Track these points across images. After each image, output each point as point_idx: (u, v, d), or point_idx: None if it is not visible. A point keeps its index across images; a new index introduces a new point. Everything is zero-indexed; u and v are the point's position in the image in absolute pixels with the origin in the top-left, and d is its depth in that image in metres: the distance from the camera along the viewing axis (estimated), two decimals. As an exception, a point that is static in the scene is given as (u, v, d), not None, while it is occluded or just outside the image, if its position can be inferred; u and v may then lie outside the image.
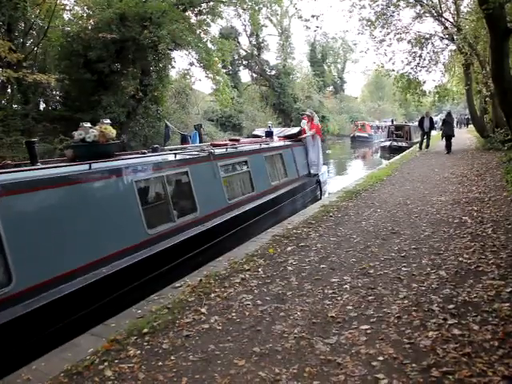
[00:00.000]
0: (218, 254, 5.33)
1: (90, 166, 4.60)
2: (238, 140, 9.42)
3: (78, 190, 4.41)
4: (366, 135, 39.00)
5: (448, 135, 17.47)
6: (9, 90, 17.51)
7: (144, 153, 6.24)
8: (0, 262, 3.54)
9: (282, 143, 10.17)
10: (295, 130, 11.66)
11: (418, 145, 20.10)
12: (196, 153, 6.63)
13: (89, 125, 5.31)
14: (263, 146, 8.97)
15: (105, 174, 4.73)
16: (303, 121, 11.23)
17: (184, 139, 9.38)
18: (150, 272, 4.77)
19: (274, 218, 7.78)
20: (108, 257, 4.44)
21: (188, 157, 6.31)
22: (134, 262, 4.61)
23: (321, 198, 10.52)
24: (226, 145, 7.81)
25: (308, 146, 10.91)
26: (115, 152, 5.63)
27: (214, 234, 6.01)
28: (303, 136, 10.87)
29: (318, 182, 11.10)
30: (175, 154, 6.13)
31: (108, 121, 5.59)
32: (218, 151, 7.03)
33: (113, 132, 5.38)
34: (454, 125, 21.86)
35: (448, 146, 17.34)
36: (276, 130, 11.71)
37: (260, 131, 11.97)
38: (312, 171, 10.91)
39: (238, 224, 6.70)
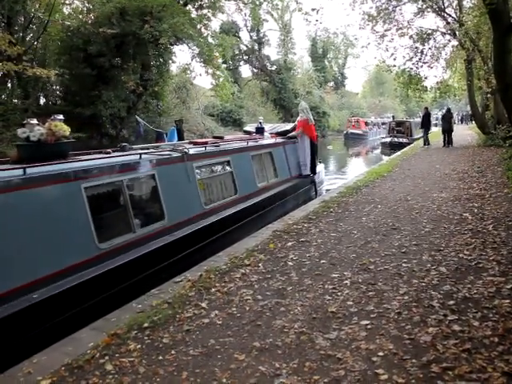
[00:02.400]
0: (189, 265, 4.72)
1: (25, 171, 3.95)
2: (222, 138, 8.72)
3: (4, 200, 3.74)
4: (360, 132, 37.56)
5: (444, 130, 18.54)
6: (9, 85, 17.46)
7: (108, 152, 5.64)
8: None
9: (272, 140, 9.48)
10: (289, 126, 11.01)
11: (420, 141, 20.25)
12: (167, 153, 6.02)
13: (35, 121, 4.64)
14: (250, 143, 8.32)
15: (44, 180, 4.05)
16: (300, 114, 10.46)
17: (159, 137, 8.47)
18: (99, 293, 4.16)
19: (260, 222, 7.05)
20: (43, 279, 3.80)
21: (156, 157, 5.67)
22: (77, 283, 3.99)
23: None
24: (206, 143, 7.23)
25: (298, 143, 10.13)
26: (69, 152, 4.94)
27: (184, 245, 5.42)
28: (291, 134, 10.18)
29: (313, 183, 10.45)
30: (140, 154, 5.44)
31: (61, 117, 4.95)
32: (194, 151, 6.44)
33: (65, 129, 4.74)
34: (457, 121, 22.25)
35: (445, 141, 18.36)
36: (268, 127, 11.09)
37: (251, 127, 11.22)
38: (303, 172, 10.16)
39: (215, 232, 6.09)
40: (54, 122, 4.71)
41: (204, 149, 6.76)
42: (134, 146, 6.40)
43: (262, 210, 7.62)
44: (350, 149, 32.24)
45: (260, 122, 10.69)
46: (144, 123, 9.29)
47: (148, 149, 6.43)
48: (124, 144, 6.11)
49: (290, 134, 10.15)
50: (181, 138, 8.62)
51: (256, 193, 7.78)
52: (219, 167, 7.06)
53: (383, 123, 42.67)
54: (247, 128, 11.79)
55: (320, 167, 11.58)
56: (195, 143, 7.24)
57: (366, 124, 39.66)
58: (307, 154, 10.02)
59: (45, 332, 3.58)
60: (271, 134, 10.34)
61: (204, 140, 8.11)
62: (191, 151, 6.30)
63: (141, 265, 4.72)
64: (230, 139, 8.61)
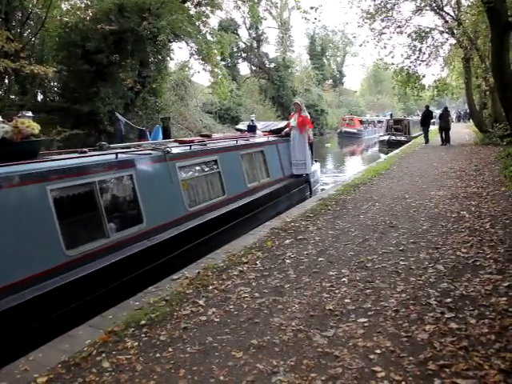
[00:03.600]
0: (171, 271, 4.50)
1: None
2: (209, 136, 8.30)
3: None
4: (355, 131, 36.63)
5: (442, 128, 18.69)
6: (6, 81, 17.37)
7: (85, 152, 5.26)
8: None
9: (264, 139, 9.03)
10: (282, 123, 10.51)
11: (418, 138, 20.34)
12: (147, 152, 5.66)
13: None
14: (240, 142, 7.88)
15: (2, 182, 3.72)
16: (291, 119, 9.68)
17: (142, 135, 8.01)
18: (64, 305, 3.83)
19: (250, 224, 6.72)
20: None
21: (134, 157, 5.30)
22: (36, 295, 3.63)
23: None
24: (192, 142, 6.91)
25: (293, 141, 9.44)
26: (38, 151, 4.62)
27: (165, 249, 5.11)
28: (286, 129, 9.57)
29: (308, 182, 10.00)
30: (116, 153, 5.07)
31: (30, 113, 4.68)
32: (177, 150, 6.10)
33: (34, 127, 4.40)
34: (454, 119, 22.40)
35: (443, 139, 18.47)
36: (261, 124, 10.70)
37: (244, 125, 10.77)
38: (296, 172, 9.52)
39: (200, 235, 5.78)
40: (20, 120, 4.36)
41: (189, 148, 6.43)
42: (112, 145, 6.06)
43: (252, 212, 7.30)
44: (344, 148, 31.42)
45: (252, 120, 10.22)
46: (125, 120, 8.49)
47: (129, 148, 6.09)
48: (103, 143, 5.78)
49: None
50: (167, 137, 8.08)
51: (246, 193, 7.42)
52: (205, 167, 6.67)
53: (379, 121, 42.42)
54: (239, 126, 11.40)
55: (315, 166, 11.22)
56: (180, 142, 6.93)
57: (361, 122, 38.77)
58: (308, 152, 9.58)
59: None
60: (264, 132, 9.93)
61: (190, 139, 7.69)
62: (174, 150, 5.97)
63: (115, 272, 4.41)
64: (219, 137, 8.25)
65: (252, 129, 9.70)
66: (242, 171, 7.52)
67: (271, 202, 8.14)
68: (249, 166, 7.91)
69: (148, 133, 8.06)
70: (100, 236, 4.51)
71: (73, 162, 4.55)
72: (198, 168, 6.51)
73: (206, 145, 6.97)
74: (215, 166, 6.79)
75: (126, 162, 5.08)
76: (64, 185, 4.25)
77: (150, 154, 5.59)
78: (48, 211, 3.97)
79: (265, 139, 9.05)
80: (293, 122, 9.44)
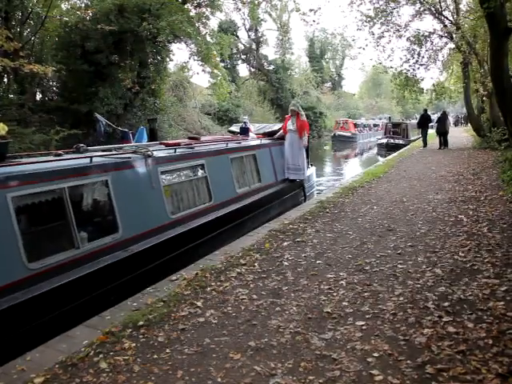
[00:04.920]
0: (150, 283, 4.25)
1: None
2: (198, 138, 7.95)
3: None
4: (349, 134, 35.35)
5: (440, 132, 18.93)
6: (5, 80, 17.34)
7: (59, 154, 4.92)
8: None
9: (256, 142, 8.71)
10: (277, 126, 10.19)
11: (416, 142, 20.45)
12: (127, 155, 5.27)
13: None
14: (230, 145, 7.55)
15: None
16: (288, 122, 9.21)
17: (125, 137, 7.57)
18: (22, 325, 3.52)
19: (239, 232, 6.41)
20: None
21: (111, 161, 4.93)
22: None
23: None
24: (178, 144, 6.51)
25: (290, 145, 9.10)
26: (5, 154, 4.36)
27: (142, 260, 4.76)
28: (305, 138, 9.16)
29: (302, 187, 9.72)
30: (91, 157, 4.71)
31: None
32: (161, 153, 5.78)
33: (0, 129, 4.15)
34: (452, 123, 22.60)
35: (441, 143, 18.70)
36: (255, 127, 10.41)
37: (236, 127, 10.33)
38: (290, 176, 9.20)
39: (183, 244, 5.45)
40: None
41: (174, 151, 6.07)
42: (90, 148, 5.60)
43: (240, 218, 6.97)
44: (337, 152, 30.57)
45: (245, 122, 9.79)
46: (106, 121, 8.26)
47: (110, 150, 5.70)
48: (81, 145, 5.38)
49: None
50: (154, 139, 7.69)
51: (234, 199, 7.05)
52: (191, 172, 6.34)
53: (375, 125, 42.12)
54: (232, 128, 11.04)
55: (311, 170, 10.90)
56: (166, 145, 6.60)
57: (356, 126, 37.67)
58: (303, 157, 9.30)
59: None
60: (258, 134, 9.62)
61: (176, 141, 7.30)
62: (157, 154, 5.62)
63: (84, 286, 4.10)
64: (208, 140, 7.89)
65: (245, 131, 9.38)
66: (231, 176, 7.16)
67: (262, 209, 7.81)
68: (239, 170, 7.56)
69: (131, 135, 7.71)
70: (69, 247, 4.19)
71: (40, 167, 4.20)
72: (182, 173, 6.19)
73: (192, 148, 6.62)
74: (202, 171, 6.46)
75: (100, 167, 4.72)
76: (28, 192, 3.91)
77: (130, 157, 5.23)
78: (7, 221, 3.64)
79: (257, 142, 8.73)
80: (291, 125, 9.12)
